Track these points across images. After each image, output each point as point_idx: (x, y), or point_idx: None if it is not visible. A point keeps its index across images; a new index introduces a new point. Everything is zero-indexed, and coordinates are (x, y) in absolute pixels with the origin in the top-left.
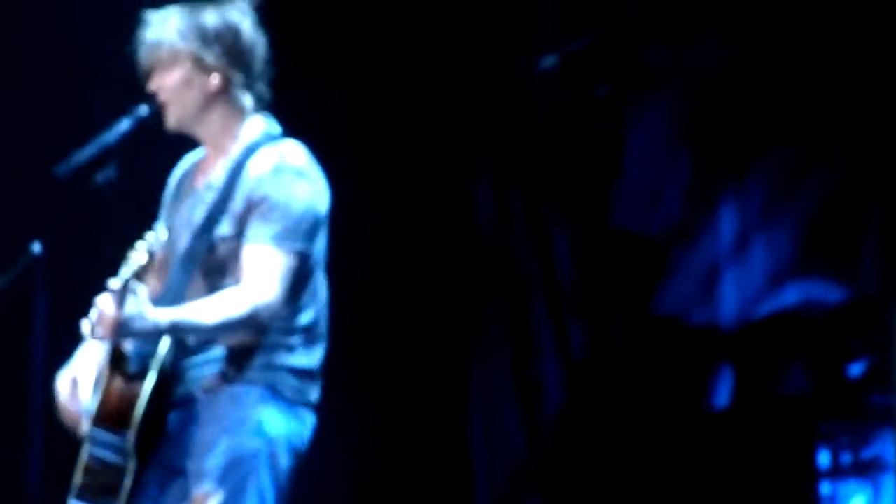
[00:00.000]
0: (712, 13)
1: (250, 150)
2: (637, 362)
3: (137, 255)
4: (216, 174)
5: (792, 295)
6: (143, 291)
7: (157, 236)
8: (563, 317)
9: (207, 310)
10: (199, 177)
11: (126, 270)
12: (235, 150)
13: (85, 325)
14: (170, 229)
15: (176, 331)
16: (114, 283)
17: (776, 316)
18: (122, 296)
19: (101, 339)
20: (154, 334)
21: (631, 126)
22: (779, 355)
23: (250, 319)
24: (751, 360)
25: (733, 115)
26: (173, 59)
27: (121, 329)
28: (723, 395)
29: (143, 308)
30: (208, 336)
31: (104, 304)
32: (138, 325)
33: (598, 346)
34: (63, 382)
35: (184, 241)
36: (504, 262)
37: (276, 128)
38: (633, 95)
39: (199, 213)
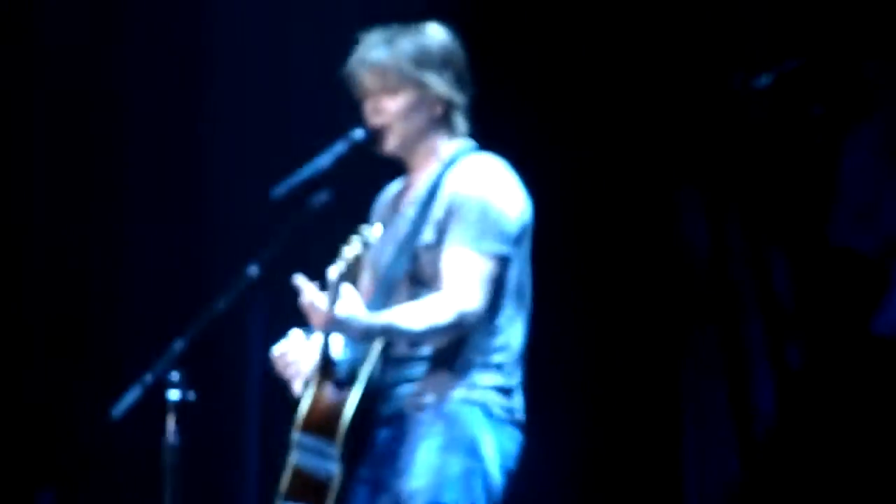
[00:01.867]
0: None
1: (451, 162)
2: (855, 380)
3: (350, 248)
4: (419, 188)
5: None
6: (355, 294)
7: (370, 232)
8: (781, 336)
9: (415, 315)
10: (405, 197)
11: (339, 263)
12: (438, 164)
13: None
14: (376, 246)
15: (385, 334)
16: (331, 272)
17: None
18: (334, 290)
19: (316, 329)
20: (364, 337)
21: (846, 144)
22: None
23: (456, 325)
24: None
25: None
26: (399, 84)
27: (333, 325)
28: None
29: (357, 310)
30: (415, 340)
31: (314, 296)
32: (351, 323)
33: (817, 364)
34: (279, 346)
35: (389, 254)
36: (717, 282)
37: (475, 145)
38: (848, 113)
39: (402, 228)
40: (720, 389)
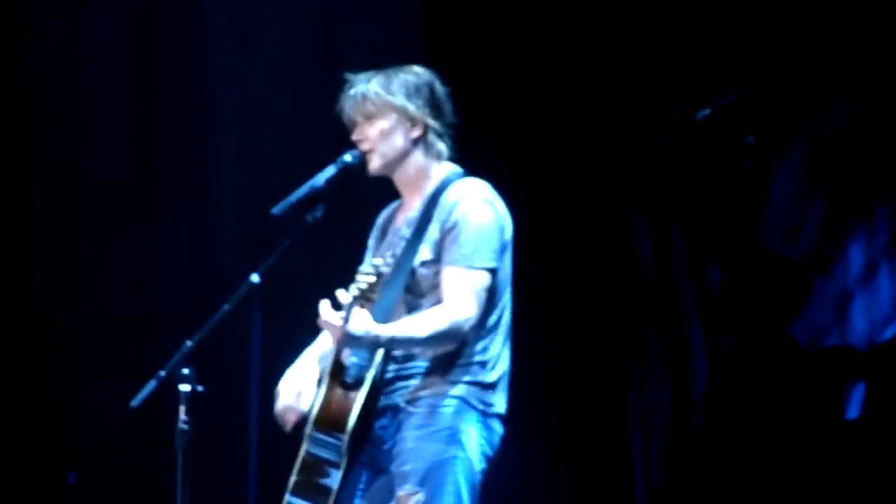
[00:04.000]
0: (844, 72)
1: (443, 186)
2: (779, 377)
3: (365, 276)
4: (413, 211)
5: None
6: (366, 313)
7: (383, 261)
8: (716, 333)
9: (418, 325)
10: (400, 217)
11: (354, 288)
12: (429, 187)
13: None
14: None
15: (393, 344)
16: (344, 297)
17: None
18: (349, 309)
19: (334, 342)
20: (374, 346)
21: (774, 169)
22: None
23: (454, 332)
24: (880, 376)
25: (862, 161)
26: (378, 110)
27: (348, 340)
28: (854, 408)
29: (369, 325)
30: (419, 347)
31: (331, 316)
32: (365, 338)
33: (745, 363)
34: (286, 388)
35: (389, 266)
36: (662, 290)
37: (461, 170)
38: (776, 143)
39: (401, 246)
40: (664, 381)
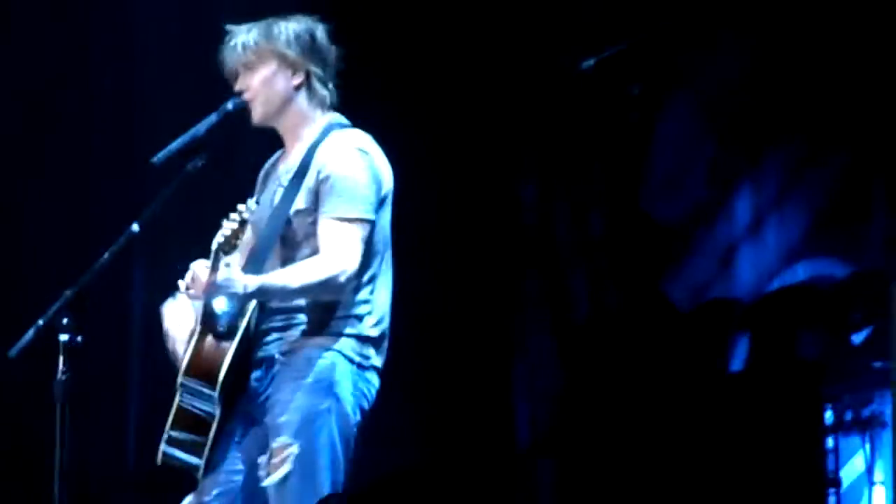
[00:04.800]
0: (733, 20)
1: (323, 136)
2: (662, 329)
3: (229, 223)
4: (293, 159)
5: (802, 271)
6: (234, 259)
7: (248, 207)
8: (600, 287)
9: (291, 276)
10: (280, 166)
11: (219, 236)
12: (310, 136)
13: (181, 284)
14: (255, 212)
15: (263, 294)
16: (213, 244)
17: (788, 290)
18: (215, 259)
19: (195, 297)
20: (243, 297)
21: (660, 120)
22: (790, 325)
23: (329, 283)
24: (765, 328)
25: (750, 110)
26: (259, 59)
27: (213, 290)
28: (739, 360)
29: (235, 274)
30: (291, 298)
31: (199, 268)
32: (230, 288)
33: (627, 314)
34: (169, 312)
35: (265, 219)
36: (546, 237)
37: (345, 121)
38: (662, 93)
39: (278, 194)
40: (546, 323)
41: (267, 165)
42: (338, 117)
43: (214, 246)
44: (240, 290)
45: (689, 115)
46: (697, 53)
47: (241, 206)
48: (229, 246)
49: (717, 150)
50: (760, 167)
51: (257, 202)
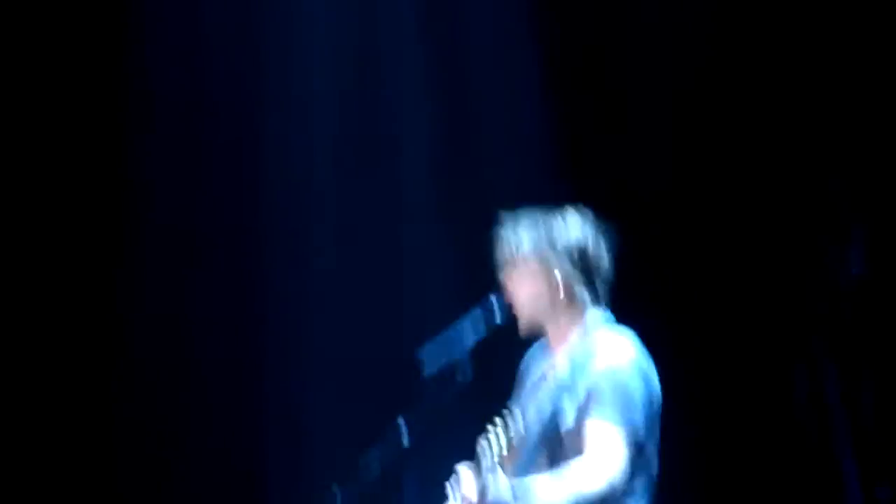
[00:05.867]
0: None
1: (588, 338)
2: None
3: (498, 433)
4: (559, 362)
5: None
6: (501, 472)
7: (515, 417)
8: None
9: (561, 488)
10: (544, 363)
11: (486, 445)
12: (574, 338)
13: (448, 489)
14: (517, 416)
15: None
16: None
17: None
18: (487, 479)
19: None
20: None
21: None
22: None
23: (604, 493)
24: None
25: None
26: (526, 265)
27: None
28: None
29: (502, 485)
30: None
31: (466, 479)
32: (500, 502)
33: None
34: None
35: (533, 426)
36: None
37: (610, 317)
38: None
39: (545, 401)
40: None
41: (527, 358)
42: (604, 314)
43: (479, 449)
44: (511, 501)
45: None
46: None
47: (507, 416)
48: (494, 452)
49: None
50: None
51: (519, 399)
